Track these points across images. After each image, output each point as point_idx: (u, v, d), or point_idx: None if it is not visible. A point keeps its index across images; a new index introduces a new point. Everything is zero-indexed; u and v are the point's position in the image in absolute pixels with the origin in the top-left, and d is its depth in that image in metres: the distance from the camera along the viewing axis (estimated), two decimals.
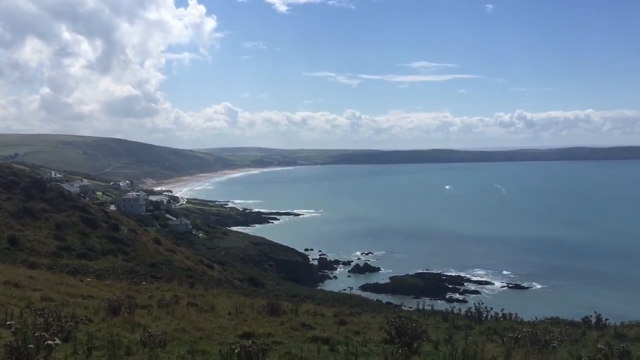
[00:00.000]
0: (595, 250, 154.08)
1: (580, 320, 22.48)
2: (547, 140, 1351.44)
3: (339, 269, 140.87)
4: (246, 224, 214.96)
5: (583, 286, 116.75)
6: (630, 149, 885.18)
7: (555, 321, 24.18)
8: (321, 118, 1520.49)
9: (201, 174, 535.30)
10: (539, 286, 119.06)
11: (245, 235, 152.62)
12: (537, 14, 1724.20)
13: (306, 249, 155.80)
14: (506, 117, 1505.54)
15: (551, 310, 51.20)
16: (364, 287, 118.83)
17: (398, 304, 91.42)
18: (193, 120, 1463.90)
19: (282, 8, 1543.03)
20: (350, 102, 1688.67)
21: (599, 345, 15.74)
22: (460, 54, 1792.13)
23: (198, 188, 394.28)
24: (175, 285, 37.36)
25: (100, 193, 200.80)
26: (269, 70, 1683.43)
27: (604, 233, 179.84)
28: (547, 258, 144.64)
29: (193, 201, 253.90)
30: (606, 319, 21.70)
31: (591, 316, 21.89)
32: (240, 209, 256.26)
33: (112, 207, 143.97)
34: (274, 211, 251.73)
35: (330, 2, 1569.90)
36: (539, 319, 24.86)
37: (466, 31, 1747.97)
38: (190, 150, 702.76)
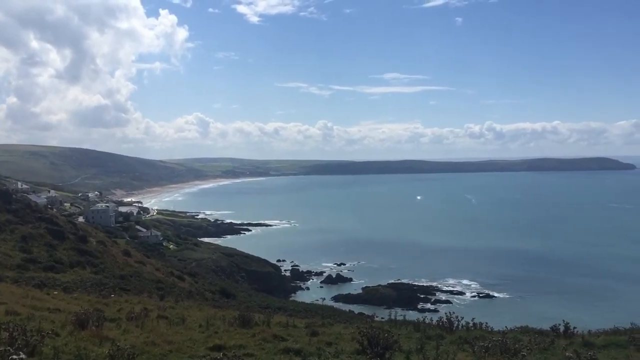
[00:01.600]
0: (562, 260, 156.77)
1: (548, 329, 22.78)
2: (516, 151, 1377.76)
3: (311, 279, 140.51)
4: (218, 235, 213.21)
5: (551, 295, 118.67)
6: (595, 160, 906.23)
7: (524, 330, 24.48)
8: (293, 129, 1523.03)
9: (172, 185, 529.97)
10: (508, 296, 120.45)
11: (217, 247, 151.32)
12: (505, 27, 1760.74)
13: (278, 260, 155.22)
14: (476, 129, 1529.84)
15: (521, 319, 51.84)
16: (337, 298, 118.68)
17: (370, 314, 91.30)
18: (164, 131, 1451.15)
19: (254, 19, 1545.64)
20: (323, 112, 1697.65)
21: (567, 354, 16.00)
22: (430, 66, 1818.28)
23: (169, 199, 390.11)
24: (145, 297, 36.81)
25: (69, 204, 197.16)
26: (240, 81, 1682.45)
27: (570, 244, 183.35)
28: (516, 268, 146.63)
29: (164, 212, 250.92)
30: (574, 328, 22.05)
31: (559, 325, 22.21)
32: (212, 220, 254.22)
33: (81, 219, 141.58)
34: (245, 222, 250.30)
35: (302, 14, 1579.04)
36: (508, 328, 25.14)
37: (436, 43, 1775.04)
38: (161, 161, 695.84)
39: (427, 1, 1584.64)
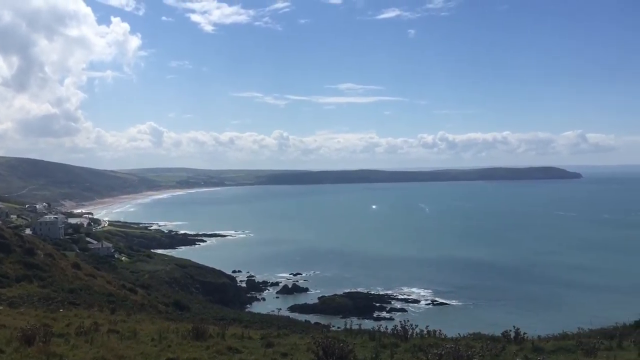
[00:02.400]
0: (512, 268, 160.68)
1: (500, 335, 23.22)
2: (468, 161, 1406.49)
3: (267, 290, 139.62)
4: (172, 246, 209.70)
5: (502, 302, 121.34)
6: (543, 169, 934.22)
7: (477, 337, 24.88)
8: (249, 138, 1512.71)
9: (124, 196, 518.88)
10: (461, 303, 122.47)
11: (171, 258, 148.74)
12: (457, 39, 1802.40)
13: (234, 271, 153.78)
14: (429, 139, 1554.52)
15: (473, 326, 52.76)
16: (293, 308, 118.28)
17: (326, 324, 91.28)
18: (116, 140, 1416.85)
19: (208, 28, 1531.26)
20: (278, 122, 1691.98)
21: (517, 359, 16.39)
22: (384, 77, 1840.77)
23: (120, 210, 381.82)
24: (95, 311, 35.81)
25: (15, 216, 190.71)
26: (195, 90, 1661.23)
27: (519, 251, 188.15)
28: (468, 276, 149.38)
29: (115, 224, 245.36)
30: (524, 333, 22.53)
31: (510, 331, 22.64)
32: (166, 231, 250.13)
33: (28, 231, 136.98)
34: (200, 233, 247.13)
35: (256, 23, 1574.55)
36: (461, 335, 25.54)
37: (390, 55, 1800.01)
38: (113, 171, 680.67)
39: (380, 13, 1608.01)
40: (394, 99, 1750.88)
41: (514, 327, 22.76)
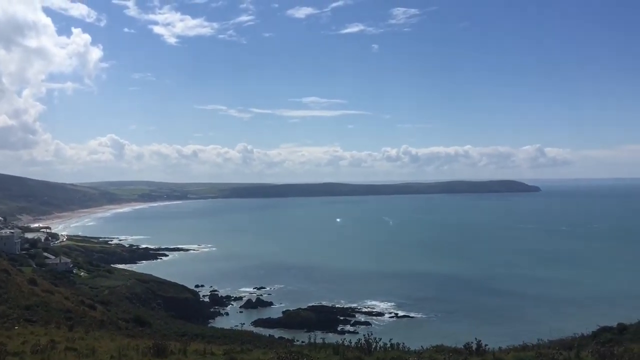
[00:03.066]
0: (474, 280, 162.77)
1: (462, 347, 23.46)
2: (431, 174, 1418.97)
3: (230, 305, 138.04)
4: (132, 261, 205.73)
5: (465, 315, 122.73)
6: (503, 182, 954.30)
7: (439, 349, 25.09)
8: (212, 151, 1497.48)
9: (84, 210, 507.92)
10: (425, 316, 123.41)
11: (132, 273, 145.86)
12: (418, 54, 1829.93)
13: (197, 285, 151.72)
14: (393, 152, 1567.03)
15: (436, 338, 53.23)
16: (256, 323, 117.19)
17: (290, 338, 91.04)
18: (76, 153, 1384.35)
19: (172, 40, 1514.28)
20: (242, 135, 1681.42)
21: None
22: (348, 91, 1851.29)
23: (79, 224, 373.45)
24: (52, 328, 34.83)
25: None
26: (158, 102, 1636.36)
27: (481, 264, 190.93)
28: (432, 289, 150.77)
29: (74, 238, 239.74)
30: (486, 345, 22.83)
31: (472, 343, 22.92)
32: (127, 246, 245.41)
33: None
34: (162, 247, 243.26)
35: (220, 36, 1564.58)
36: (424, 348, 25.70)
37: (354, 69, 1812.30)
38: (72, 185, 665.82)
39: (344, 28, 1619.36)
40: (358, 112, 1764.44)
41: (476, 339, 23.04)
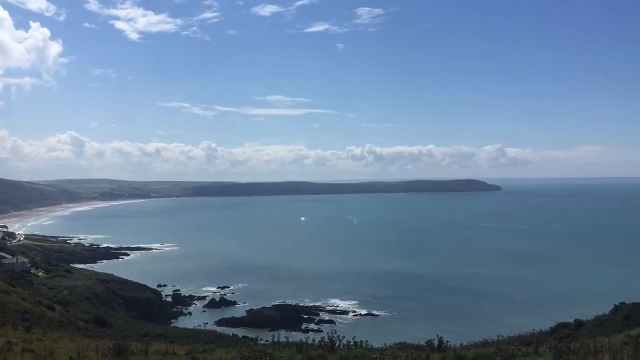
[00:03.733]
0: (436, 279, 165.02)
1: (424, 344, 23.76)
2: (395, 173, 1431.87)
3: (194, 304, 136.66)
4: (93, 260, 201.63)
5: (428, 312, 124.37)
6: (466, 182, 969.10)
7: (402, 346, 25.39)
8: (176, 149, 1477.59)
9: (42, 208, 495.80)
10: (388, 314, 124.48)
11: (92, 273, 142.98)
12: (383, 54, 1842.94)
13: (159, 285, 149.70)
14: (357, 151, 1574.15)
15: (399, 336, 53.81)
16: (220, 322, 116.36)
17: (254, 337, 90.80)
18: (34, 150, 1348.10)
19: (134, 36, 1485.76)
20: (206, 133, 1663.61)
21: None
22: (313, 89, 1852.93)
23: (37, 223, 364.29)
24: (8, 329, 33.84)
25: None
26: (119, 99, 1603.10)
27: (443, 263, 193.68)
28: (395, 287, 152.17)
29: (32, 237, 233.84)
30: (447, 342, 23.16)
31: (434, 340, 23.24)
32: (87, 245, 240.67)
33: None
34: (124, 246, 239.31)
35: (184, 33, 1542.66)
36: (387, 345, 25.96)
37: (319, 68, 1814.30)
38: (30, 182, 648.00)
39: (309, 26, 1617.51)
40: (322, 111, 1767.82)
41: (438, 336, 23.36)
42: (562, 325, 50.84)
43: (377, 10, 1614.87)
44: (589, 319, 51.51)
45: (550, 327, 50.41)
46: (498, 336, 27.33)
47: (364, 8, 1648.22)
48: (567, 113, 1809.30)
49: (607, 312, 49.50)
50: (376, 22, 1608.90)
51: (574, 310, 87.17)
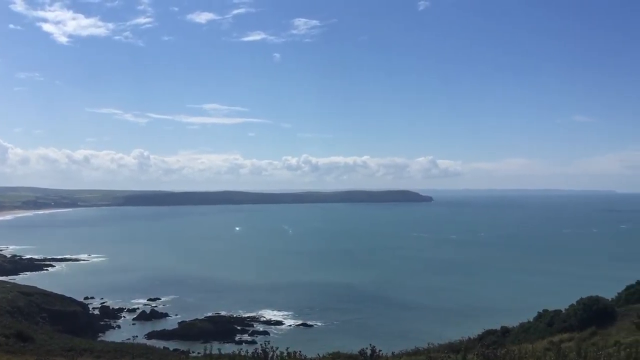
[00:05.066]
0: (370, 289, 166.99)
1: (357, 353, 23.99)
2: (330, 184, 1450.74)
3: (123, 317, 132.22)
4: (15, 272, 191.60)
5: (361, 322, 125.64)
6: (399, 192, 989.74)
7: (336, 356, 25.53)
8: (106, 157, 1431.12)
9: None
10: (323, 324, 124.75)
11: (14, 285, 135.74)
12: (319, 65, 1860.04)
13: (86, 298, 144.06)
14: (293, 161, 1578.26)
15: (334, 345, 54.05)
16: (150, 335, 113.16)
17: (185, 349, 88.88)
18: None
19: (63, 39, 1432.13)
20: (138, 141, 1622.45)
21: None
22: (250, 99, 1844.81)
23: None
24: None
25: None
26: (46, 104, 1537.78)
27: (376, 273, 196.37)
28: (330, 297, 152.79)
29: None
30: (380, 350, 23.50)
31: (367, 348, 23.51)
32: (8, 256, 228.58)
33: None
34: (49, 257, 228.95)
35: (116, 37, 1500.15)
36: (321, 355, 26.04)
37: (255, 77, 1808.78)
38: None
39: (245, 35, 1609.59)
40: (258, 121, 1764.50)
41: (370, 345, 23.64)
42: (489, 333, 52.52)
43: (314, 22, 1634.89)
44: (515, 325, 53.48)
45: (478, 335, 51.98)
46: (428, 344, 27.95)
47: (301, 19, 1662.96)
48: (495, 126, 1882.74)
49: (531, 319, 51.52)
50: (312, 34, 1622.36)
51: (501, 317, 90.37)
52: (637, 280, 51.92)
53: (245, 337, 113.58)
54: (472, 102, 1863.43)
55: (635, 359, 20.55)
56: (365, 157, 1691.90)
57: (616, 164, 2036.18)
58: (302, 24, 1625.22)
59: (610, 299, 47.82)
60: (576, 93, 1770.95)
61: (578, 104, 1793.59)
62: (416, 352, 25.78)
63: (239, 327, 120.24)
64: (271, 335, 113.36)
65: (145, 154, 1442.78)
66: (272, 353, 22.60)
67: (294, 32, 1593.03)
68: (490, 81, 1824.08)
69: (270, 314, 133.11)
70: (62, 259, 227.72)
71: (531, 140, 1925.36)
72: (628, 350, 22.35)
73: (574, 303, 45.23)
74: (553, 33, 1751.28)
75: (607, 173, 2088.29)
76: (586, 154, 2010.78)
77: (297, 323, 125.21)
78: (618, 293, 51.95)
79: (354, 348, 26.70)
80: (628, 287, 51.66)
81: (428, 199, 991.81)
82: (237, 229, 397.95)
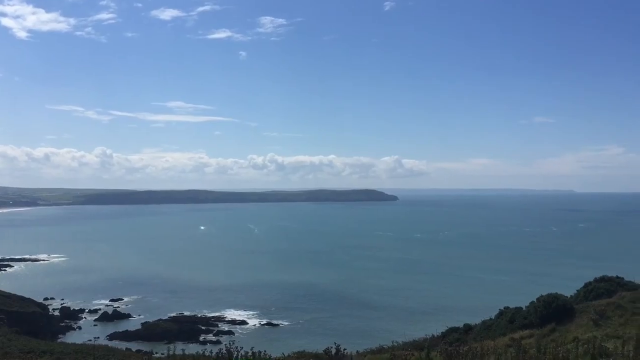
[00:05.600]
0: (334, 288, 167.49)
1: (322, 352, 24.02)
2: (296, 183, 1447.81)
3: (84, 318, 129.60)
4: None
5: (326, 321, 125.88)
6: (365, 191, 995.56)
7: (301, 354, 25.52)
8: (67, 155, 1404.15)
9: None
10: (289, 323, 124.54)
11: None
12: (284, 64, 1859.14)
13: (46, 298, 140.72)
14: (259, 160, 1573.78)
15: (298, 344, 54.09)
16: (112, 336, 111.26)
17: (148, 350, 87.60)
18: None
19: (22, 34, 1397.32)
20: (101, 139, 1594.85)
21: None
22: (215, 97, 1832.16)
23: None
24: None
25: None
26: (5, 101, 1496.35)
27: (340, 272, 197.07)
28: (295, 297, 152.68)
29: None
30: (344, 349, 23.59)
31: (332, 347, 23.57)
32: None
33: None
34: (7, 257, 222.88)
35: (78, 33, 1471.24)
36: (286, 354, 25.97)
37: (221, 75, 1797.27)
38: None
39: (211, 33, 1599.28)
40: (224, 119, 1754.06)
41: (335, 343, 23.72)
42: (452, 330, 53.21)
43: (280, 20, 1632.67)
44: (477, 323, 54.34)
45: (442, 332, 52.64)
46: (393, 342, 28.15)
47: (267, 17, 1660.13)
48: (459, 127, 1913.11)
49: (493, 317, 52.42)
50: (279, 32, 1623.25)
51: (464, 315, 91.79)
52: (595, 278, 53.36)
53: (210, 337, 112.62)
54: (438, 103, 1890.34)
55: (593, 355, 21.11)
56: (331, 157, 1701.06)
57: (575, 164, 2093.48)
58: (268, 22, 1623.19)
59: (569, 296, 49.00)
60: (539, 94, 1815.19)
61: (540, 105, 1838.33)
62: (380, 350, 25.99)
63: (203, 327, 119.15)
64: (236, 334, 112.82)
65: (108, 152, 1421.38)
66: (236, 353, 22.48)
67: (260, 30, 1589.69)
68: (456, 81, 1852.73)
69: (234, 314, 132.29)
70: (20, 259, 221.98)
71: (495, 141, 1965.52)
72: (586, 346, 22.96)
73: (534, 300, 46.16)
74: (519, 34, 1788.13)
75: (566, 173, 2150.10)
76: (547, 155, 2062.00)
77: (262, 322, 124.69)
78: (577, 290, 53.22)
79: (318, 347, 26.70)
80: (586, 285, 53.03)
81: (393, 198, 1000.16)
82: (202, 228, 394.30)
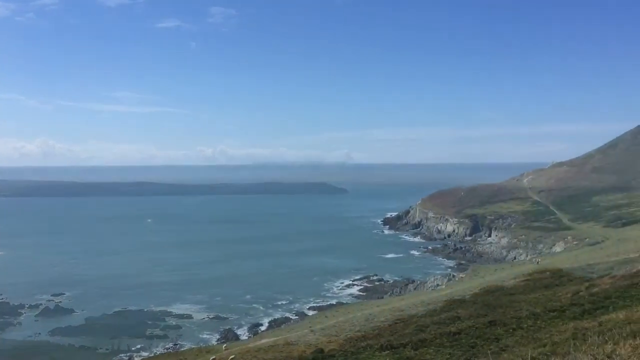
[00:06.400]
0: (280, 280, 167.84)
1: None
2: (247, 175, 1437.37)
3: (24, 314, 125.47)
4: None
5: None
6: (316, 184, 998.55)
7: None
8: (6, 145, 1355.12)
9: None
10: (237, 316, 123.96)
11: None
12: (235, 55, 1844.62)
13: None
14: (209, 152, 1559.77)
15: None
16: (54, 332, 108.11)
17: (92, 346, 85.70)
18: None
19: None
20: (43, 128, 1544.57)
21: None
22: (164, 87, 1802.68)
23: None
24: None
25: None
26: None
27: (286, 260, 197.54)
28: (243, 288, 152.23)
29: None
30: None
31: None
32: None
33: None
34: None
35: (18, 18, 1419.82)
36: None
37: (170, 65, 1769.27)
38: None
39: (159, 22, 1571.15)
40: (174, 110, 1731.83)
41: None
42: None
43: (231, 11, 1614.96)
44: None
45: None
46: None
47: (217, 7, 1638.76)
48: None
49: None
50: (230, 23, 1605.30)
51: None
52: None
53: (157, 331, 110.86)
54: (379, 96, 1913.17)
55: None
56: (282, 149, 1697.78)
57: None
58: (219, 13, 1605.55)
59: None
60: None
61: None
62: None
63: (149, 322, 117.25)
64: (183, 328, 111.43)
65: (51, 142, 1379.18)
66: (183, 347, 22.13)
67: (211, 20, 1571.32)
68: (401, 77, 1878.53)
69: (182, 308, 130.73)
70: None
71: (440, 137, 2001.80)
72: None
73: None
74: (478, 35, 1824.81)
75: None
76: None
77: (211, 316, 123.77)
78: None
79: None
80: None
81: (343, 191, 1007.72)
82: (149, 220, 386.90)
